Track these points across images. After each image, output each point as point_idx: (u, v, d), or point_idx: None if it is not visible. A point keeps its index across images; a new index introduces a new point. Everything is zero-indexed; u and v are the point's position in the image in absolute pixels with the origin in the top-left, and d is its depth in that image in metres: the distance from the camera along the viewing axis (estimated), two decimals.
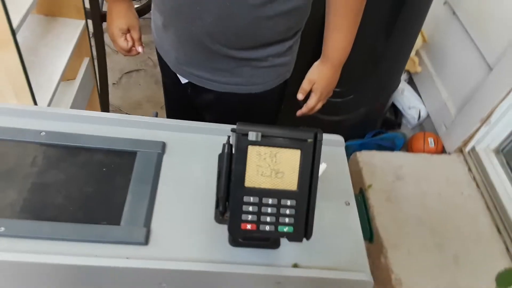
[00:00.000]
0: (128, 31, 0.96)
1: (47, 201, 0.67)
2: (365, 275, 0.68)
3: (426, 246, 1.45)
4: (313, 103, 0.99)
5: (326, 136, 0.88)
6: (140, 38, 0.98)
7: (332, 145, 0.90)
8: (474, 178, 1.69)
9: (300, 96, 0.97)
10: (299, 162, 0.55)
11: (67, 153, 0.74)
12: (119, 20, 0.94)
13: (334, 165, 0.83)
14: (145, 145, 0.78)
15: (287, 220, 0.56)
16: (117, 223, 0.66)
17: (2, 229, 0.62)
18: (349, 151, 1.77)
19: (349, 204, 0.80)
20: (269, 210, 0.55)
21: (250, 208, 0.55)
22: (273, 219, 0.55)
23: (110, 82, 1.74)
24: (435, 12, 1.97)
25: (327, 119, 1.73)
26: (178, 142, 0.80)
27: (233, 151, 0.55)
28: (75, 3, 1.06)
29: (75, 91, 0.99)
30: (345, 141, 1.88)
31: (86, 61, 1.13)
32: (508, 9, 1.58)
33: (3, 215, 0.64)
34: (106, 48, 1.46)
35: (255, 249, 0.68)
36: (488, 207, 1.60)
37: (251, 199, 0.55)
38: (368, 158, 1.71)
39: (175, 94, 1.08)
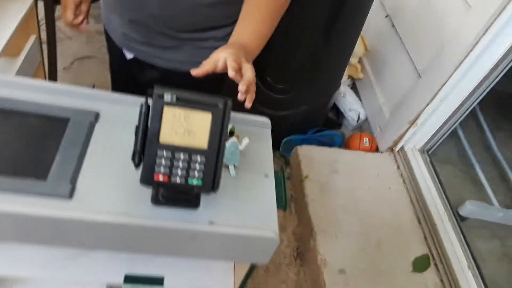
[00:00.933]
0: (80, 4, 0.98)
1: None
2: (272, 233, 0.77)
3: (352, 232, 1.58)
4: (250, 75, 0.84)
5: (255, 118, 0.97)
6: (87, 12, 1.01)
7: (260, 126, 0.98)
8: (401, 175, 1.85)
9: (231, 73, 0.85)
10: (210, 124, 0.63)
11: (2, 116, 0.78)
12: None
13: (259, 142, 0.92)
14: (78, 113, 0.83)
15: (196, 174, 0.63)
16: (44, 178, 0.72)
17: None
18: (291, 145, 1.88)
19: (268, 176, 0.89)
20: (180, 164, 0.63)
21: (163, 162, 0.62)
22: (184, 172, 0.63)
23: (60, 66, 1.76)
24: (377, 23, 2.14)
25: (272, 113, 1.84)
26: (112, 114, 0.86)
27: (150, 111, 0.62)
28: None
29: (17, 68, 1.02)
30: (288, 135, 2.01)
31: (32, 39, 1.16)
32: (436, 24, 1.76)
33: None
34: (59, 33, 1.49)
35: (176, 208, 0.76)
36: (411, 201, 1.76)
37: (164, 153, 0.62)
38: (308, 152, 1.83)
39: (120, 73, 1.14)
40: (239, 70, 0.73)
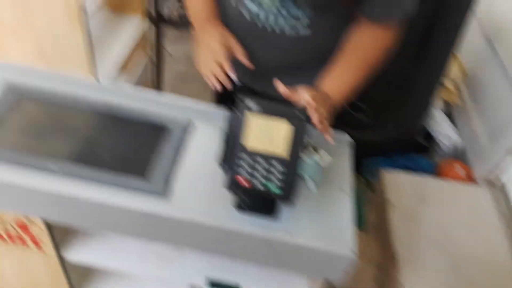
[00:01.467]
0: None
1: (90, 152, 0.85)
2: (349, 250, 0.77)
3: (440, 267, 1.47)
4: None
5: (335, 134, 0.99)
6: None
7: (340, 142, 0.99)
8: (500, 211, 1.69)
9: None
10: (292, 134, 0.67)
11: (113, 121, 0.91)
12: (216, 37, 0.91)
13: (339, 158, 0.94)
14: (175, 121, 0.93)
15: (276, 181, 0.67)
16: (142, 175, 0.81)
17: (53, 166, 0.79)
18: (374, 167, 1.83)
19: (346, 193, 0.89)
20: (262, 169, 0.67)
21: (246, 166, 0.67)
22: (264, 178, 0.67)
23: (164, 84, 1.95)
24: (476, 47, 2.02)
25: (355, 134, 1.82)
26: (206, 123, 0.95)
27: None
28: (139, 4, 1.25)
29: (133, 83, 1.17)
30: (372, 157, 1.91)
31: (144, 58, 1.32)
32: None
33: (55, 156, 0.82)
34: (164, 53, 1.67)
35: (256, 216, 0.80)
36: (510, 238, 1.59)
37: (247, 157, 0.67)
38: (394, 176, 1.76)
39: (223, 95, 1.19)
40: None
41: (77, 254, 1.02)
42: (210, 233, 0.79)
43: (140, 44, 1.24)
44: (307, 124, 0.67)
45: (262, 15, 0.89)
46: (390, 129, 1.79)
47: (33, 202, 0.81)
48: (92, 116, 0.91)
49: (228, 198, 0.81)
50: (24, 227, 0.91)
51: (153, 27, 1.46)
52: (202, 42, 0.93)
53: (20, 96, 0.92)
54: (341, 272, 0.82)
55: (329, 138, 0.78)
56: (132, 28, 1.21)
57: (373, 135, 1.80)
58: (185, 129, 0.92)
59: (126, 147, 0.87)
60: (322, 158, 0.86)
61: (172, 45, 2.32)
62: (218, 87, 0.87)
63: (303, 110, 0.68)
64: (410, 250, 1.52)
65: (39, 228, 0.90)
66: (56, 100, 0.92)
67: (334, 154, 0.91)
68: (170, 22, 2.23)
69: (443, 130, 2.02)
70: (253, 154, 0.67)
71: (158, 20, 1.48)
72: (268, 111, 0.67)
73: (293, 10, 0.86)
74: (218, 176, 0.84)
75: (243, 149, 0.67)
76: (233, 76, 0.86)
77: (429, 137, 2.08)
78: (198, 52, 0.94)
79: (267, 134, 0.67)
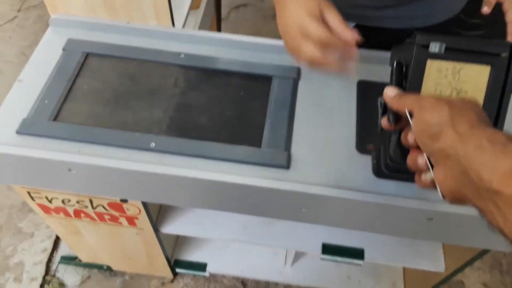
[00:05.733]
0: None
1: (191, 121, 0.68)
2: None
3: None
4: None
5: None
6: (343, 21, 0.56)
7: None
8: None
9: (486, 9, 0.70)
10: (487, 81, 0.46)
11: (206, 76, 0.73)
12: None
13: None
14: (280, 70, 0.74)
15: None
16: (258, 145, 0.65)
17: (153, 144, 0.64)
18: None
19: None
20: None
21: None
22: None
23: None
24: None
25: None
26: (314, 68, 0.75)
27: (407, 67, 0.48)
28: None
29: (200, 20, 0.98)
30: None
31: None
32: None
33: (152, 131, 0.66)
34: None
35: (401, 182, 0.63)
36: None
37: None
38: None
39: None
40: None
41: (173, 227, 0.91)
42: (345, 206, 0.63)
43: None
44: None
45: None
46: None
47: (132, 187, 0.67)
48: (179, 73, 0.73)
49: (360, 161, 0.64)
50: (118, 208, 0.79)
51: None
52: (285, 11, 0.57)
53: (90, 56, 0.75)
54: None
55: None
56: None
57: None
58: (293, 79, 0.73)
59: (231, 110, 0.69)
60: None
61: None
62: (343, 69, 0.56)
63: (503, 42, 0.46)
64: None
65: (136, 208, 0.78)
66: (131, 56, 0.74)
67: None
68: None
69: None
70: None
71: None
72: (455, 52, 0.46)
73: None
74: (341, 133, 0.67)
75: None
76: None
77: None
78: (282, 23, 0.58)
79: (452, 84, 0.47)
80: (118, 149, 0.64)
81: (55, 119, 0.67)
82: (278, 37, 0.63)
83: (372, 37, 0.85)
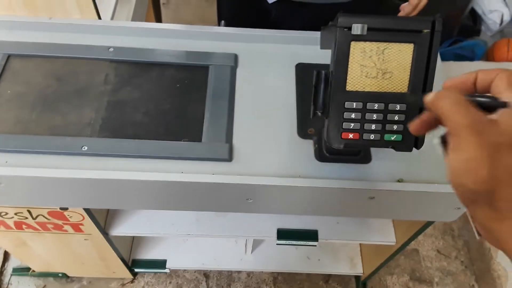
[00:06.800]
0: None
1: (125, 119, 0.64)
2: None
3: None
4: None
5: None
6: None
7: None
8: None
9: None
10: (412, 59, 0.47)
11: (138, 69, 0.70)
12: None
13: None
14: (217, 58, 0.71)
15: (395, 127, 0.48)
16: (199, 139, 0.63)
17: (85, 148, 0.60)
18: None
19: None
20: (375, 116, 0.48)
21: (353, 115, 0.48)
22: (379, 126, 0.48)
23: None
24: None
25: None
26: (250, 54, 0.73)
27: (333, 49, 0.47)
28: None
29: (132, 9, 0.93)
30: None
31: None
32: None
33: (83, 133, 0.62)
34: None
35: (344, 164, 0.63)
36: None
37: (354, 104, 0.48)
38: (446, 68, 1.55)
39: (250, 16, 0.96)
40: None
41: (123, 228, 0.88)
42: (294, 194, 0.62)
43: None
44: (435, 35, 0.46)
45: None
46: (436, 12, 1.52)
47: (69, 194, 0.63)
48: (109, 69, 0.69)
49: (302, 147, 0.64)
50: (60, 217, 0.75)
51: None
52: None
53: (12, 57, 0.69)
54: (454, 210, 0.67)
55: None
56: None
57: None
58: (231, 66, 0.70)
59: (166, 105, 0.66)
60: None
61: None
62: None
63: (428, 17, 0.47)
64: None
65: (78, 214, 0.75)
66: (56, 54, 0.69)
67: None
68: None
69: (491, 5, 1.75)
70: (361, 98, 0.47)
71: None
72: (377, 32, 0.45)
73: None
74: (281, 121, 0.66)
75: (347, 93, 0.47)
76: None
77: (475, 16, 1.81)
78: None
79: (377, 65, 0.46)
80: (49, 156, 0.60)
81: None
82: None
83: (304, 14, 0.85)
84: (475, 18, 1.81)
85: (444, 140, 0.32)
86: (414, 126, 0.37)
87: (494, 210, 0.29)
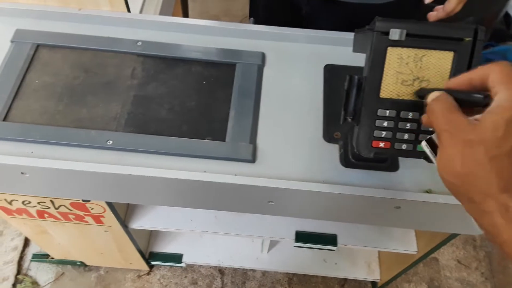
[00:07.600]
0: None
1: (150, 115, 0.64)
2: None
3: None
4: (453, 5, 0.70)
5: None
6: None
7: None
8: None
9: None
10: (451, 67, 0.44)
11: (165, 65, 0.69)
12: None
13: None
14: (244, 56, 0.70)
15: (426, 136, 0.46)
16: (222, 139, 0.62)
17: (110, 142, 0.60)
18: None
19: None
20: (408, 125, 0.46)
21: (385, 124, 0.46)
22: (412, 136, 0.47)
23: None
24: None
25: None
26: (278, 52, 0.72)
27: (369, 55, 0.45)
28: None
29: (161, 3, 0.92)
30: None
31: None
32: None
33: (109, 127, 0.62)
34: None
35: (370, 171, 0.62)
36: None
37: (387, 112, 0.46)
38: None
39: (282, 14, 0.95)
40: None
41: (142, 222, 0.89)
42: (317, 199, 0.61)
43: None
44: (477, 44, 0.44)
45: None
46: (469, 17, 1.48)
47: (92, 188, 0.63)
48: (136, 63, 0.69)
49: (328, 151, 0.62)
50: (81, 208, 0.76)
51: None
52: None
53: (41, 47, 0.70)
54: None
55: None
56: None
57: None
58: (258, 65, 0.69)
59: (192, 102, 0.65)
60: None
61: None
62: None
63: (466, 26, 0.44)
64: None
65: (100, 207, 0.75)
66: (85, 46, 0.70)
67: None
68: None
69: None
70: (395, 106, 0.45)
71: None
72: (416, 38, 0.43)
73: None
74: (307, 123, 0.65)
75: (381, 100, 0.46)
76: None
77: (508, 20, 1.75)
78: None
79: (414, 72, 0.45)
80: (74, 149, 0.60)
81: (4, 119, 0.63)
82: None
83: (336, 13, 0.82)
84: (509, 23, 1.74)
85: (431, 142, 0.37)
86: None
87: (474, 203, 0.32)
